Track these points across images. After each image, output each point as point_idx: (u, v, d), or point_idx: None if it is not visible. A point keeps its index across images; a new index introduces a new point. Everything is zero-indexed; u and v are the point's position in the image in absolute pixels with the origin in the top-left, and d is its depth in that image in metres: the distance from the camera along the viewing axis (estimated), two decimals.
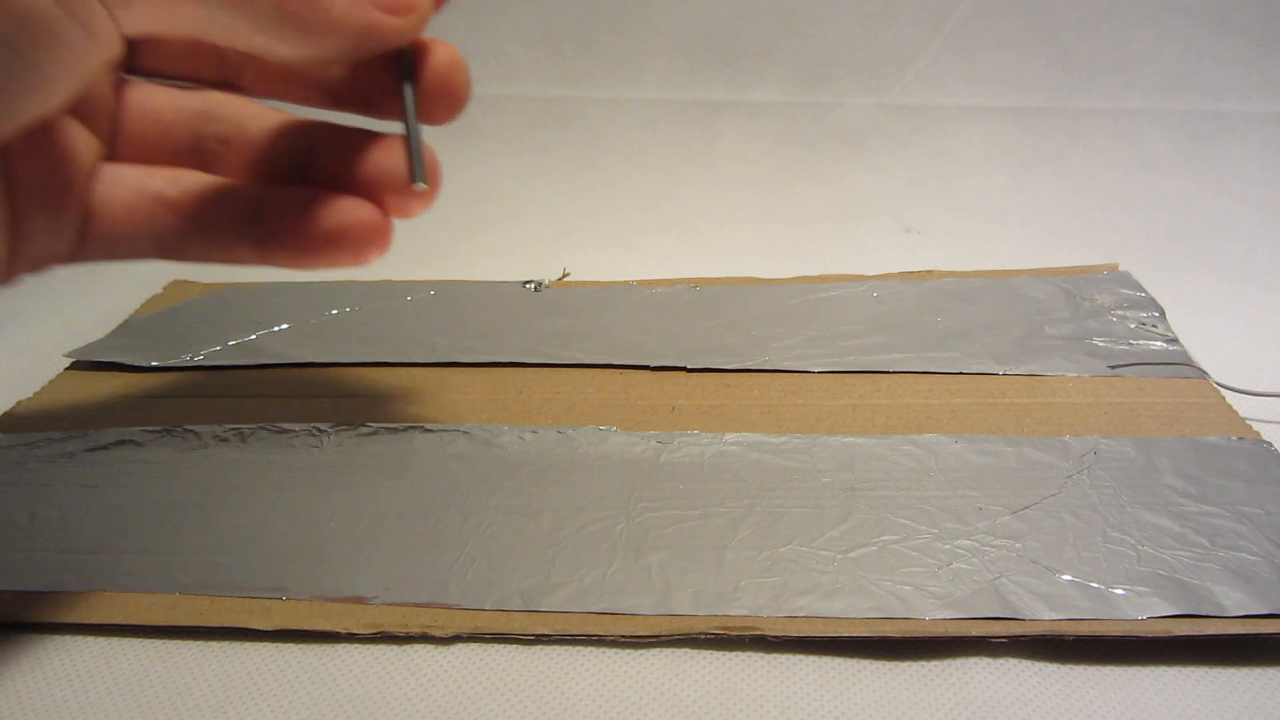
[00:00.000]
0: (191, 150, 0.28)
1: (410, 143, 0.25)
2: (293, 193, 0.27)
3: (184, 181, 0.27)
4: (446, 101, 0.26)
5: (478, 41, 0.63)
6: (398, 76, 0.25)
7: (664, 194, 0.57)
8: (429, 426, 0.33)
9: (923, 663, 0.25)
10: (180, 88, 0.28)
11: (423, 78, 0.26)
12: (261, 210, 0.27)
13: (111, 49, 0.22)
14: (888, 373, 0.36)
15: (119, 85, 0.28)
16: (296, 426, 0.34)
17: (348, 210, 0.26)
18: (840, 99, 0.63)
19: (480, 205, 0.56)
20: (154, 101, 0.28)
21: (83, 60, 0.21)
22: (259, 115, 0.29)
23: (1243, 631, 0.24)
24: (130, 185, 0.27)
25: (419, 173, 0.25)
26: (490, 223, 0.53)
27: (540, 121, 0.63)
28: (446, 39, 0.26)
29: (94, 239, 0.27)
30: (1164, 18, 0.61)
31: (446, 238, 0.51)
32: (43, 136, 0.25)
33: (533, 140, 0.63)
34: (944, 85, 0.62)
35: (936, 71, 0.62)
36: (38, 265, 0.26)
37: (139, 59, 0.28)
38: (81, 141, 0.26)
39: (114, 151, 0.28)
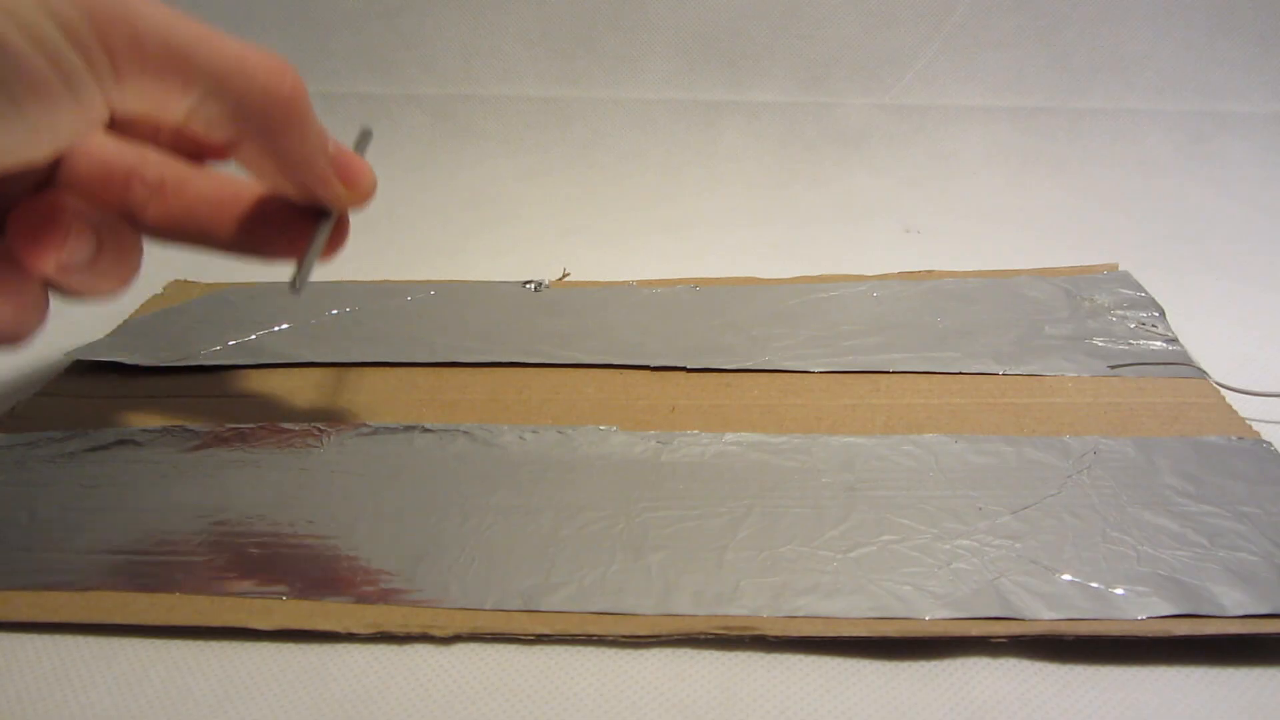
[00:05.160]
0: (121, 191, 0.29)
1: (305, 257, 0.29)
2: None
3: (152, 159, 0.29)
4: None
5: (478, 41, 0.63)
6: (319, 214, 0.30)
7: (664, 194, 0.57)
8: (429, 426, 0.33)
9: (923, 663, 0.25)
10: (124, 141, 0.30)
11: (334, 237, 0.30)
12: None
13: (95, 119, 0.23)
14: (888, 373, 0.36)
15: None
16: (296, 426, 0.34)
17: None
18: (840, 99, 0.63)
19: (480, 205, 0.56)
20: (98, 141, 0.29)
21: (66, 121, 0.22)
22: (194, 178, 0.30)
23: (1242, 631, 0.24)
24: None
25: (299, 283, 0.30)
26: (490, 223, 0.53)
27: (540, 121, 0.63)
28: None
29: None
30: (1164, 18, 0.61)
31: (446, 238, 0.51)
32: None
33: (533, 140, 0.63)
34: (944, 85, 0.62)
35: (936, 71, 0.62)
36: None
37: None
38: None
39: (51, 178, 0.29)
